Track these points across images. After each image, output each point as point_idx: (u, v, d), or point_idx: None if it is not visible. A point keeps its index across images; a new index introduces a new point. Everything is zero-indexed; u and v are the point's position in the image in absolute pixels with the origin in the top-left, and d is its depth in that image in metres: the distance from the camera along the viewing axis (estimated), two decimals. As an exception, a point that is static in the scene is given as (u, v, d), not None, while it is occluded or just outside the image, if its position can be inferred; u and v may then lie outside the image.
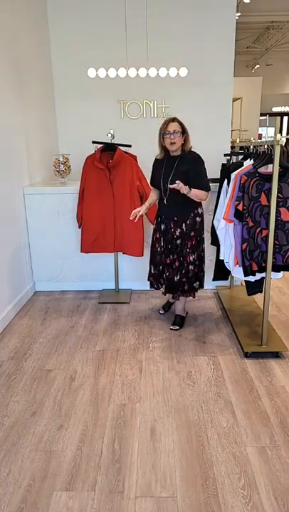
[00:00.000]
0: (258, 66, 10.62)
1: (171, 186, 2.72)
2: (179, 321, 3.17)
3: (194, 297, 3.10)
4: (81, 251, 3.54)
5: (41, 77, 4.38)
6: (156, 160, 2.96)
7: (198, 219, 2.91)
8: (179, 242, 2.91)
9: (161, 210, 2.96)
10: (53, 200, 3.70)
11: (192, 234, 2.90)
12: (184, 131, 2.77)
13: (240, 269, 2.66)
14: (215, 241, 3.26)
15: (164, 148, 2.84)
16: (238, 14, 5.96)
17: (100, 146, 3.36)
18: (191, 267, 2.95)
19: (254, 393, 2.34)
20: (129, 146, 3.40)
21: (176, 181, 2.67)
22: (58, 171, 3.84)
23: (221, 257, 2.91)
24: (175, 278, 2.97)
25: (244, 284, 3.08)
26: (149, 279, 3.19)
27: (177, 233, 2.90)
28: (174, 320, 3.20)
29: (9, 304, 3.34)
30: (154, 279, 3.13)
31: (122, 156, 3.29)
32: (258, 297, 3.41)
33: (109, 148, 3.33)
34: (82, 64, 4.54)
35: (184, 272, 2.95)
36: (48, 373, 2.57)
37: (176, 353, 2.77)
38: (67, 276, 3.91)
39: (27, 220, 3.75)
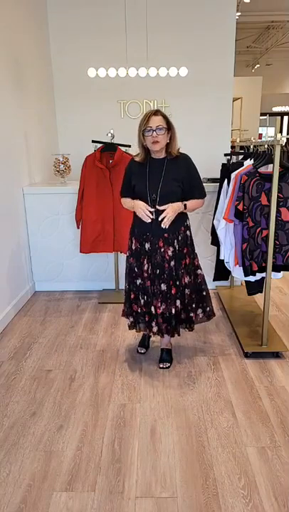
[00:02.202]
0: (258, 66, 10.62)
1: (161, 208, 2.29)
2: (168, 357, 2.64)
3: (192, 329, 2.57)
4: (80, 251, 3.53)
5: (41, 77, 4.38)
6: (134, 163, 2.41)
7: (188, 233, 2.48)
8: (172, 263, 2.39)
9: (145, 225, 2.36)
10: (53, 200, 3.70)
11: (185, 251, 2.44)
12: (169, 128, 2.26)
13: (241, 269, 2.65)
14: (215, 241, 3.26)
15: (144, 149, 2.34)
16: (238, 14, 5.96)
17: (99, 145, 3.36)
18: (187, 291, 2.47)
19: (254, 393, 2.33)
20: (129, 146, 3.39)
21: (164, 207, 2.28)
22: (57, 171, 3.83)
23: (221, 257, 2.91)
24: (172, 310, 2.43)
25: (244, 284, 3.08)
26: (128, 317, 2.60)
27: (170, 253, 2.38)
28: (160, 356, 2.65)
29: (9, 304, 3.34)
30: (136, 317, 2.55)
31: (123, 156, 3.29)
32: (258, 297, 3.41)
33: (109, 148, 3.33)
34: (82, 64, 4.53)
35: (182, 299, 2.47)
36: (47, 373, 2.56)
37: (176, 353, 2.77)
38: (67, 276, 3.90)
39: (27, 220, 3.74)
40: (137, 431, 2.04)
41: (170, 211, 2.30)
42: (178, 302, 2.45)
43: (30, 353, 2.81)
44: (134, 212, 2.44)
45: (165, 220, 2.30)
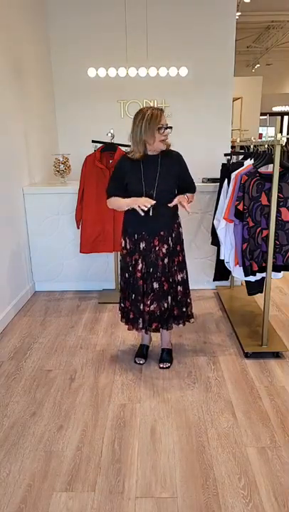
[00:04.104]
0: (258, 65, 10.61)
1: (171, 205, 2.30)
2: (169, 357, 2.65)
3: (184, 324, 2.58)
4: (80, 251, 3.53)
5: (41, 77, 4.38)
6: (126, 161, 2.34)
7: (180, 230, 2.50)
8: (166, 261, 2.40)
9: (141, 224, 2.34)
10: (53, 200, 3.70)
11: (178, 248, 2.46)
12: None
13: (241, 269, 2.65)
14: (215, 241, 3.26)
15: (144, 146, 2.27)
16: (239, 14, 5.96)
17: (99, 145, 3.36)
18: (180, 288, 2.50)
19: (254, 393, 2.33)
20: (129, 146, 3.38)
21: (179, 198, 2.30)
22: (57, 171, 3.83)
23: (222, 257, 2.91)
24: (164, 305, 2.43)
25: (244, 284, 3.07)
26: (126, 319, 2.58)
27: (164, 250, 2.38)
28: (161, 356, 2.66)
29: (9, 304, 3.34)
30: (134, 317, 2.49)
31: (122, 156, 3.29)
32: (259, 297, 3.40)
33: (109, 148, 3.33)
34: (82, 64, 4.53)
35: (173, 295, 2.48)
36: (47, 373, 2.56)
37: (176, 353, 2.77)
38: (67, 276, 3.90)
39: (27, 220, 3.74)
40: (137, 431, 2.04)
41: (182, 198, 2.32)
42: (169, 298, 2.46)
43: (30, 353, 2.81)
44: (126, 213, 2.41)
45: (185, 203, 2.29)
